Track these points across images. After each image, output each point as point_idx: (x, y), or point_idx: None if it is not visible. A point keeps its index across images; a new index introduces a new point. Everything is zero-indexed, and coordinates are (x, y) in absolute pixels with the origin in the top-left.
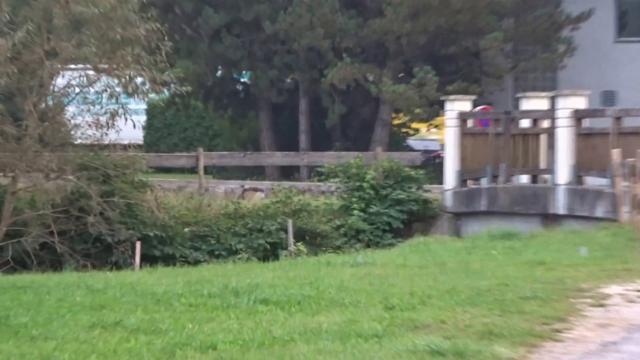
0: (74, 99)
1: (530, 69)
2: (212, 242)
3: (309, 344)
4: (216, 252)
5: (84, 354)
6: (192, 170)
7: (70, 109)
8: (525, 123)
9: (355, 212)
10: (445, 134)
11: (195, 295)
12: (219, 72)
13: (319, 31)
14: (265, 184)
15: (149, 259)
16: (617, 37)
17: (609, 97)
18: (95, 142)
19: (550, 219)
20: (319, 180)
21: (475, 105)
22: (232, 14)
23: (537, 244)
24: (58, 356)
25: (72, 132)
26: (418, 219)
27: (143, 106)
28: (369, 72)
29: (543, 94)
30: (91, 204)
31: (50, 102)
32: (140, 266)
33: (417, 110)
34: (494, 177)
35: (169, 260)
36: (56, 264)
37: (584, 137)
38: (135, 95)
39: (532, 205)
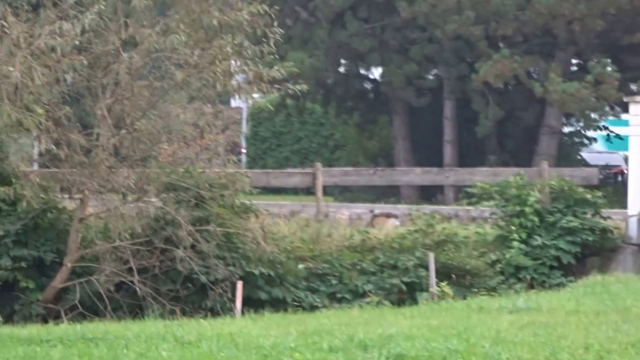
0: (157, 101)
1: None
2: (333, 282)
3: None
4: (338, 295)
5: None
6: (308, 191)
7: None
8: None
9: (515, 243)
10: (630, 145)
11: (313, 350)
12: (342, 67)
13: (469, 14)
14: (401, 208)
15: (253, 303)
16: None
17: None
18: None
19: None
20: (468, 204)
21: None
22: None
23: None
24: None
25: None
26: (594, 253)
27: (244, 110)
28: (533, 66)
29: None
30: (180, 234)
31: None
32: (243, 312)
33: (594, 115)
34: None
35: (278, 304)
36: (136, 310)
37: None
38: (236, 96)
39: None
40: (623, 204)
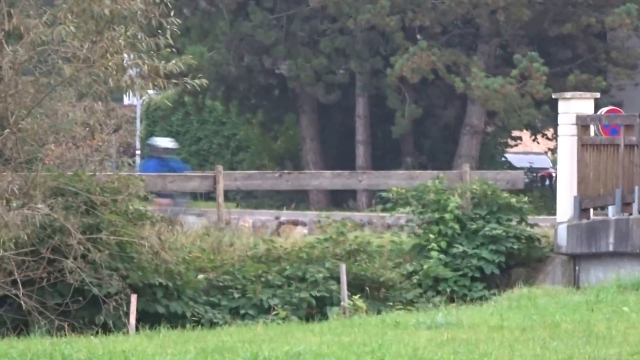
0: (44, 98)
1: None
2: (236, 295)
3: None
4: (241, 310)
5: None
6: (208, 196)
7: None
8: None
9: (434, 253)
10: (558, 146)
11: None
12: (245, 61)
13: (384, 3)
14: (309, 215)
15: (149, 318)
16: None
17: None
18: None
19: None
20: (382, 210)
21: (599, 105)
22: None
23: None
24: None
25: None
26: (520, 263)
27: (139, 107)
28: (453, 60)
29: None
30: (70, 243)
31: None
32: (137, 328)
33: (520, 113)
34: (626, 205)
35: (176, 319)
36: (20, 326)
37: None
38: (130, 93)
39: None
40: (551, 210)
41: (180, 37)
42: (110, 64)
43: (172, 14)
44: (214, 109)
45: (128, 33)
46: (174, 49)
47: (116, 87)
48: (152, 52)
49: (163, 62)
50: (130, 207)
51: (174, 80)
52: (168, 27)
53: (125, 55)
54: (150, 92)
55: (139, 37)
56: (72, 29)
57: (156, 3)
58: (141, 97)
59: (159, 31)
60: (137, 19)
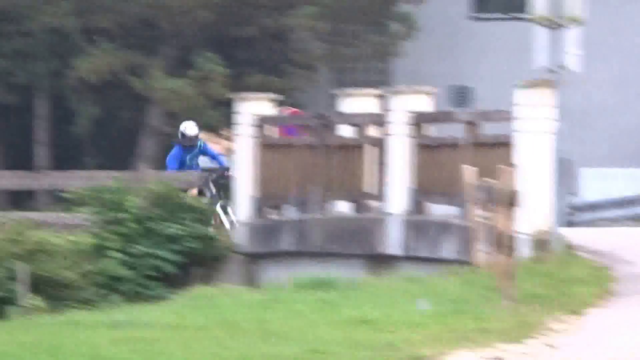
0: None
1: (354, 57)
2: None
3: None
4: None
5: None
6: None
7: None
8: (346, 131)
9: (113, 253)
10: (236, 146)
11: None
12: None
13: (63, 5)
14: None
15: None
16: (473, 13)
17: (461, 95)
18: None
19: (379, 261)
20: (63, 210)
21: (280, 107)
22: None
23: (360, 295)
24: None
25: None
26: (199, 262)
27: None
28: (134, 62)
29: (370, 90)
30: None
31: None
32: None
33: (199, 114)
34: (303, 205)
35: None
36: None
37: (426, 150)
38: None
39: (355, 244)
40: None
41: None
42: None
43: None
44: None
45: None
46: None
47: None
48: None
49: None
50: None
51: None
52: None
53: None
54: None
55: None
56: None
57: None
58: None
59: None
60: None
